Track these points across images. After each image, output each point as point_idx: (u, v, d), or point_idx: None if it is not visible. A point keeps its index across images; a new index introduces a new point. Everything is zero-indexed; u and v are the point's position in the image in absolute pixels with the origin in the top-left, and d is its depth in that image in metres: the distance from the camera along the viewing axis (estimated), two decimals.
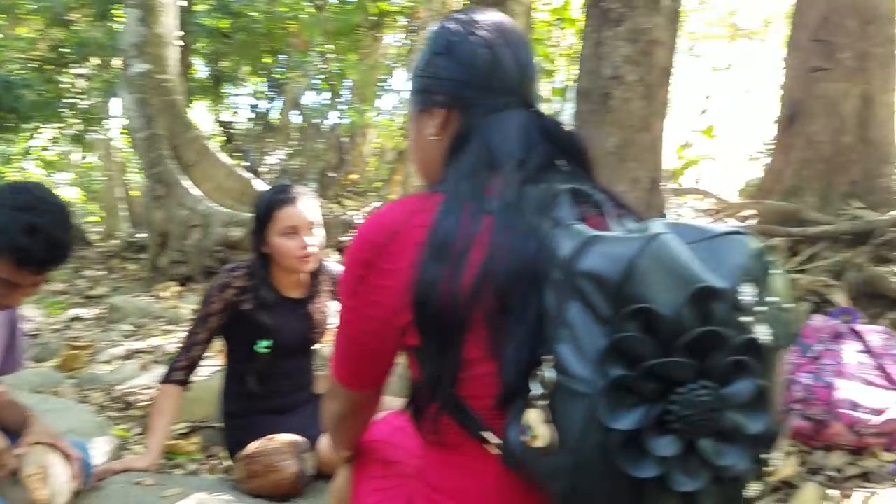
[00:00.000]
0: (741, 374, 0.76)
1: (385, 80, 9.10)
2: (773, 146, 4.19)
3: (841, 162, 3.71)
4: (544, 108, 1.12)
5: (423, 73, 1.10)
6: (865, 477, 1.96)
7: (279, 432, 1.99)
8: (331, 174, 8.42)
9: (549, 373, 0.79)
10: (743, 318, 0.77)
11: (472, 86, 1.04)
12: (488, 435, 0.91)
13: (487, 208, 0.93)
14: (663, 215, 3.47)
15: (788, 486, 1.98)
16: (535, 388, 0.81)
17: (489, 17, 1.09)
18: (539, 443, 0.79)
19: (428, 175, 1.13)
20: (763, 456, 0.81)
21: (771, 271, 0.81)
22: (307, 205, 2.06)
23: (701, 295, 0.75)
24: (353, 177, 8.79)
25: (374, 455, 1.21)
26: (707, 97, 4.15)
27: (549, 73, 5.01)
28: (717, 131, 5.99)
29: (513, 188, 0.95)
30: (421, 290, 0.91)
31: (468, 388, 0.92)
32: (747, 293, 0.78)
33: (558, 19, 5.09)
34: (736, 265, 0.79)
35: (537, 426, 0.80)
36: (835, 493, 1.89)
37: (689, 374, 0.75)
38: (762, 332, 0.77)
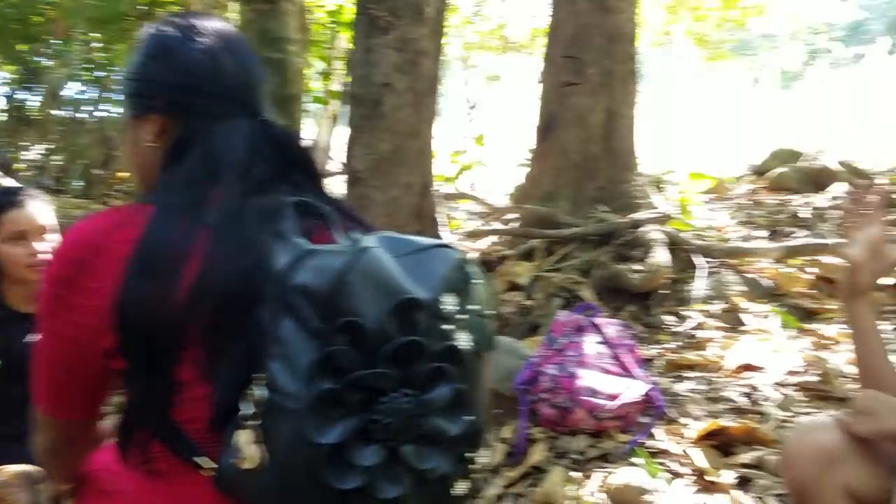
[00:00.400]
0: (441, 381, 0.80)
1: None
2: (532, 155, 4.52)
3: (589, 170, 4.09)
4: (272, 116, 1.10)
5: (136, 76, 1.04)
6: (605, 458, 2.14)
7: (9, 462, 1.78)
8: (97, 172, 7.71)
9: (259, 391, 0.78)
10: (444, 327, 0.82)
11: (192, 92, 1.00)
12: (203, 460, 0.87)
13: (205, 220, 0.90)
14: (434, 219, 3.62)
15: (538, 470, 2.13)
16: (247, 408, 0.79)
17: (209, 22, 1.06)
18: (248, 464, 0.78)
19: (143, 184, 1.07)
20: (468, 455, 0.86)
21: (472, 281, 0.87)
22: (37, 208, 1.87)
23: (404, 306, 0.78)
24: (123, 175, 8.10)
25: (95, 486, 1.11)
26: (473, 106, 4.37)
27: (327, 76, 5.00)
28: (490, 139, 6.40)
29: (234, 199, 0.92)
30: (126, 308, 0.86)
31: (183, 411, 0.88)
32: (449, 303, 0.83)
33: (333, 22, 5.10)
34: (439, 276, 0.83)
35: (247, 447, 0.78)
36: (578, 474, 2.06)
37: (391, 384, 0.78)
38: (462, 339, 0.82)
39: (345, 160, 3.63)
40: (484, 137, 5.80)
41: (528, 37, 10.88)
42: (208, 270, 0.87)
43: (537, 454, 2.16)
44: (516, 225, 4.18)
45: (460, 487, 0.85)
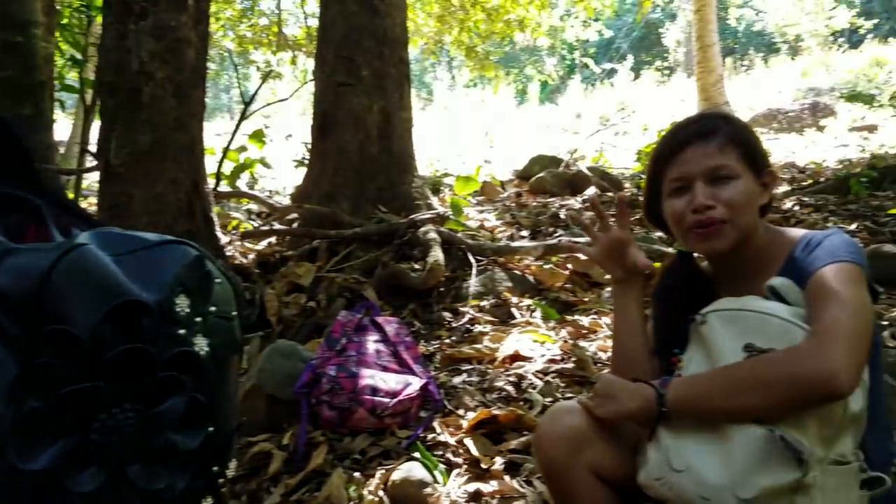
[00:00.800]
0: (173, 392, 0.71)
1: None
2: (310, 154, 4.44)
3: (368, 171, 4.11)
4: None
5: None
6: (386, 455, 2.15)
7: None
8: None
9: None
10: (179, 332, 0.73)
11: None
12: None
13: None
14: (210, 219, 3.40)
15: (320, 475, 2.07)
16: None
17: None
18: None
19: None
20: (214, 468, 0.78)
21: (211, 280, 0.79)
22: None
23: (124, 310, 0.69)
24: None
25: None
26: (249, 102, 4.19)
27: (79, 64, 4.49)
28: (272, 137, 6.18)
29: None
30: None
31: None
32: (182, 305, 0.74)
33: (85, 5, 4.59)
34: (170, 276, 0.74)
35: None
36: (359, 475, 2.04)
37: (111, 398, 0.67)
38: (199, 345, 0.74)
39: (98, 153, 3.28)
40: (263, 135, 5.58)
41: (304, 35, 10.78)
42: None
43: (318, 458, 2.10)
44: (297, 225, 4.07)
45: (206, 503, 0.77)
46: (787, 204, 4.95)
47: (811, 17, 18.64)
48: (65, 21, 5.03)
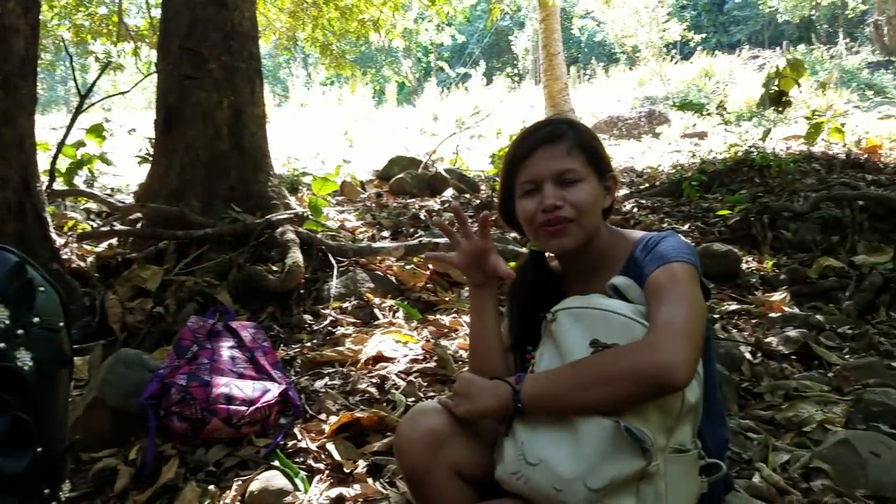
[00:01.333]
0: None
1: None
2: (155, 150, 4.18)
3: (219, 168, 3.92)
4: None
5: None
6: (243, 465, 2.06)
7: None
8: None
9: None
10: None
11: None
12: None
13: None
14: (43, 219, 3.10)
15: (171, 489, 1.95)
16: None
17: None
18: None
19: None
20: (45, 491, 0.70)
21: (34, 288, 0.71)
22: None
23: None
24: None
25: None
26: (83, 95, 3.86)
27: None
28: (114, 132, 5.75)
29: None
30: None
31: None
32: (0, 316, 0.65)
33: None
34: None
35: None
36: (214, 488, 1.93)
37: None
38: (21, 359, 0.66)
39: None
40: (103, 129, 5.17)
41: (147, 25, 10.12)
42: None
43: (169, 472, 1.97)
44: (142, 225, 3.80)
45: None
46: (627, 206, 5.29)
47: (647, 29, 20.03)
48: None
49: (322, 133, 13.11)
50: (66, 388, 0.76)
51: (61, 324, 0.73)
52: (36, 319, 0.70)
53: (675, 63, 19.99)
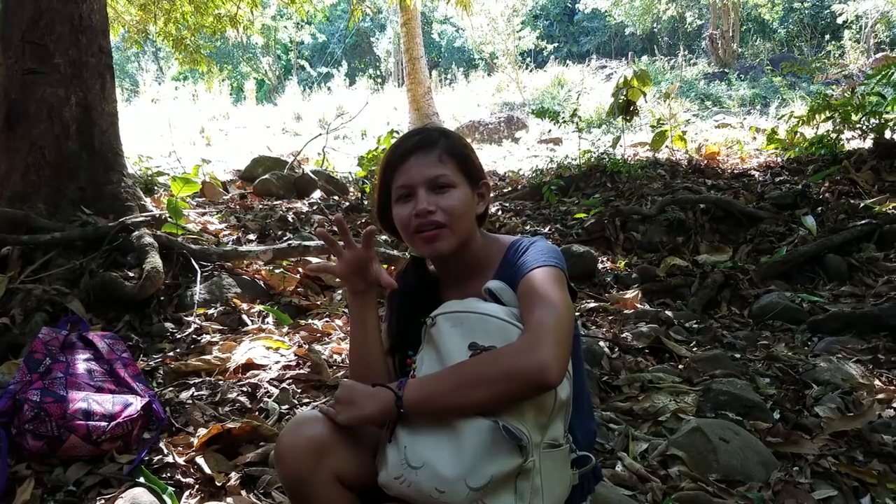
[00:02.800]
0: None
1: None
2: None
3: (67, 168, 3.66)
4: None
5: None
6: (106, 483, 1.95)
7: None
8: None
9: None
10: None
11: None
12: None
13: None
14: None
15: None
16: None
17: None
18: None
19: None
20: None
21: None
22: None
23: None
24: None
25: None
26: None
27: None
28: None
29: None
30: None
31: None
32: None
33: None
34: None
35: None
36: None
37: None
38: None
39: None
40: None
41: None
42: None
43: (25, 494, 1.83)
44: None
45: None
46: (492, 209, 5.48)
47: (503, 37, 20.71)
48: None
49: (176, 131, 12.46)
50: None
51: None
52: None
53: (531, 71, 20.83)
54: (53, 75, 3.67)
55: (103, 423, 2.02)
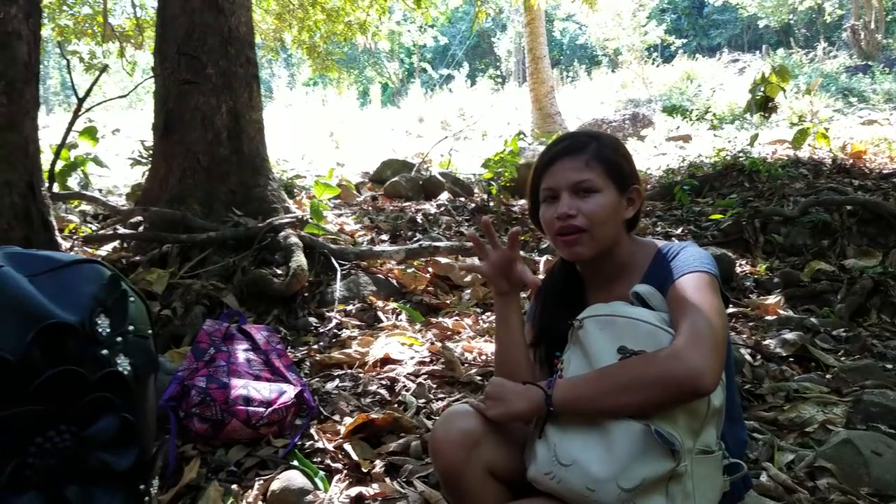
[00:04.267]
0: (103, 412, 0.68)
1: None
2: (154, 154, 4.19)
3: (219, 172, 3.95)
4: None
5: None
6: (263, 465, 2.10)
7: None
8: None
9: None
10: (101, 352, 0.69)
11: None
12: None
13: None
14: (48, 223, 3.10)
15: (194, 489, 1.98)
16: None
17: None
18: None
19: None
20: (140, 487, 0.74)
21: (127, 299, 0.75)
22: None
23: (50, 331, 0.64)
24: None
25: None
26: (81, 98, 3.86)
27: None
28: (102, 134, 5.72)
29: None
30: None
31: None
32: (102, 325, 0.70)
33: None
34: (88, 296, 0.70)
35: None
36: (236, 487, 1.96)
37: (46, 421, 0.63)
38: (121, 364, 0.71)
39: None
40: (96, 131, 5.16)
41: (133, 26, 10.06)
42: None
43: (191, 472, 2.00)
44: (143, 229, 3.81)
45: None
46: None
47: (628, 32, 20.20)
48: None
49: (307, 134, 13.08)
50: (153, 391, 0.80)
51: (150, 331, 0.78)
52: (131, 327, 0.74)
53: (657, 66, 20.19)
54: (206, 85, 3.97)
55: (261, 409, 2.18)
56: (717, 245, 4.23)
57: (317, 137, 13.03)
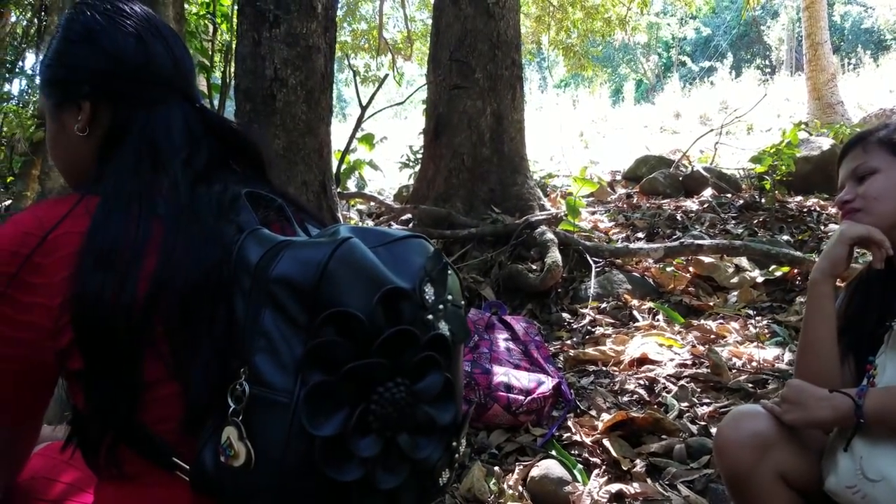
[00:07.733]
0: (431, 369, 0.77)
1: (12, 62, 7.75)
2: (423, 156, 4.53)
3: (480, 172, 4.16)
4: (206, 104, 1.05)
5: (58, 62, 0.96)
6: (522, 451, 2.17)
7: None
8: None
9: (244, 386, 0.73)
10: (427, 317, 0.78)
11: (122, 77, 0.94)
12: (177, 460, 0.80)
13: (157, 211, 0.84)
14: (338, 219, 3.52)
15: (459, 466, 2.12)
16: (232, 404, 0.74)
17: (133, 6, 0.99)
18: (238, 461, 0.72)
19: (73, 175, 1.00)
20: (453, 444, 0.83)
21: (447, 271, 0.84)
22: None
23: (390, 296, 0.75)
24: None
25: (33, 495, 1.02)
26: (364, 107, 4.32)
27: (206, 69, 4.75)
28: (377, 139, 6.34)
29: (184, 189, 0.88)
30: (84, 304, 0.78)
31: (151, 412, 0.81)
32: (428, 293, 0.79)
33: (209, 13, 4.85)
34: (417, 267, 0.80)
35: (236, 444, 0.72)
36: (498, 469, 2.07)
37: (385, 374, 0.74)
38: (442, 329, 0.79)
39: None
40: (373, 138, 5.74)
41: (403, 38, 10.96)
42: (169, 263, 0.81)
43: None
44: (412, 225, 4.16)
45: (444, 477, 0.82)
46: None
47: None
48: (192, 29, 5.31)
49: (557, 136, 13.21)
50: (461, 358, 0.89)
51: (462, 302, 0.87)
52: (449, 297, 0.83)
53: None
54: (473, 89, 4.20)
55: (521, 397, 2.26)
56: None
57: (567, 138, 13.09)
